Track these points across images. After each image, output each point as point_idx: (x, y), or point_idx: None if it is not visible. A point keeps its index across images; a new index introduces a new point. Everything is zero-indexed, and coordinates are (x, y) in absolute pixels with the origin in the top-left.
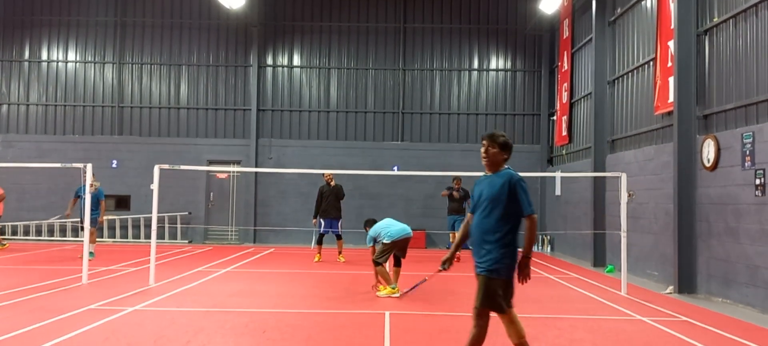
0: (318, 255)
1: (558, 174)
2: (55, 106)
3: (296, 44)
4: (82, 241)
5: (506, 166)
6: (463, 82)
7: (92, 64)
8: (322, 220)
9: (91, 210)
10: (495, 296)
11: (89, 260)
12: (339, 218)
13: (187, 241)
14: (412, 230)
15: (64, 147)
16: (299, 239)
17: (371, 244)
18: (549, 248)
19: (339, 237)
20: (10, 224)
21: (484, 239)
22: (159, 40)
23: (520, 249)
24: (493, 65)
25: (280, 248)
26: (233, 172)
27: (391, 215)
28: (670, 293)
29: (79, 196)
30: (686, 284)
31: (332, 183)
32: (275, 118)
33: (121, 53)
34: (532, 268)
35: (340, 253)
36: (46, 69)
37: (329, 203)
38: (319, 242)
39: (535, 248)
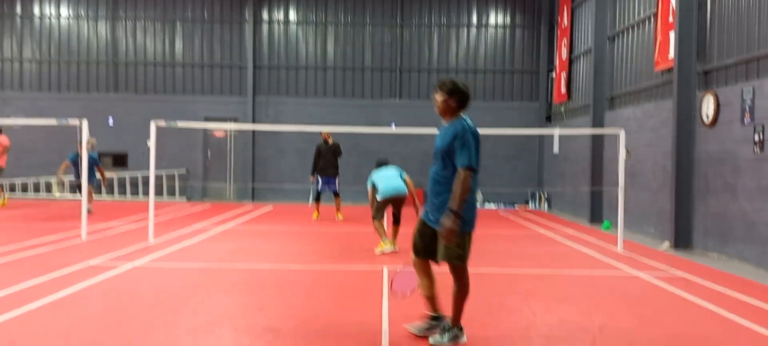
0: (316, 212)
1: (556, 131)
2: (50, 62)
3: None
4: (80, 198)
5: (462, 116)
6: (462, 38)
7: (85, 20)
8: (319, 178)
9: (89, 176)
10: (453, 249)
11: (87, 215)
12: (336, 176)
13: (185, 198)
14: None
15: (59, 104)
16: (297, 196)
17: (370, 186)
18: (546, 205)
19: (337, 195)
20: (7, 181)
21: (435, 190)
22: None
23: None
24: (492, 21)
25: (279, 206)
26: (230, 129)
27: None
28: (667, 248)
29: (74, 162)
30: (683, 239)
31: (330, 141)
32: (272, 75)
33: (114, 8)
34: (456, 228)
35: (338, 210)
36: (40, 25)
37: (327, 161)
38: (317, 200)
39: (532, 205)
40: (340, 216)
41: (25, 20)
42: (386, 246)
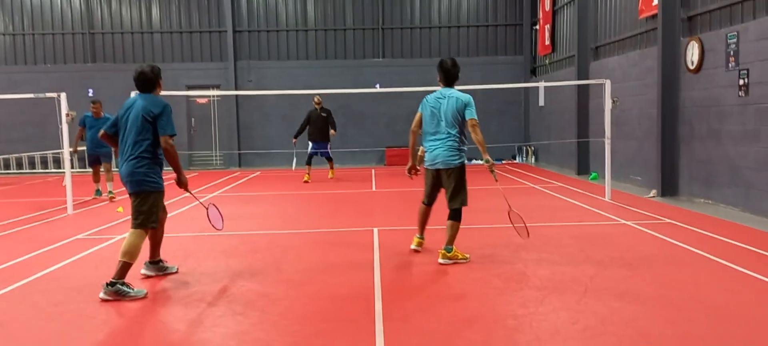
0: (307, 175)
1: (541, 84)
2: (24, 35)
3: None
4: (64, 172)
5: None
6: None
7: None
8: (310, 143)
9: (103, 145)
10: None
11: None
12: (327, 142)
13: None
14: (396, 147)
15: (36, 77)
16: (285, 160)
17: (419, 110)
18: (533, 159)
19: (330, 159)
20: None
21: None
22: None
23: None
24: None
25: (266, 171)
26: (213, 96)
27: (379, 131)
28: (653, 196)
29: (85, 125)
30: (669, 187)
31: (320, 106)
32: (253, 40)
33: None
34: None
35: (331, 170)
36: None
37: (317, 127)
38: (309, 163)
39: (519, 159)
40: (331, 174)
41: None
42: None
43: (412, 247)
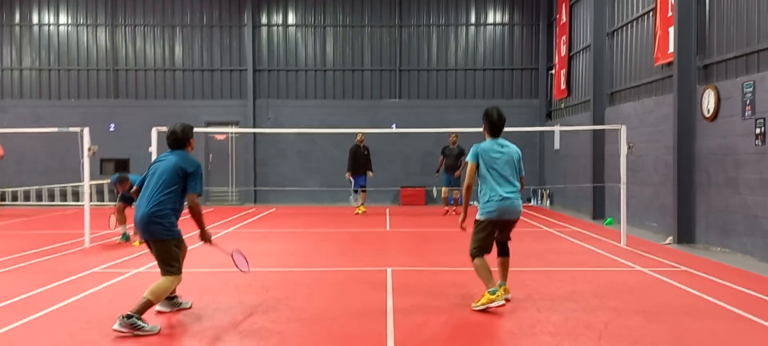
0: (362, 206)
1: (557, 128)
2: (50, 70)
3: (291, 2)
4: (83, 205)
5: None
6: (461, 37)
7: (84, 27)
8: (353, 177)
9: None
10: None
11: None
12: (366, 174)
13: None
14: (411, 187)
15: (60, 111)
16: (299, 198)
17: (471, 159)
18: (548, 202)
19: (363, 189)
20: (10, 189)
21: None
22: (151, 1)
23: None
24: (490, 19)
25: (281, 208)
26: (231, 133)
27: (395, 171)
28: (669, 243)
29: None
30: (685, 234)
31: (362, 143)
32: (272, 78)
33: (113, 15)
34: None
35: (361, 204)
36: (38, 33)
37: (360, 162)
38: (356, 193)
39: (535, 202)
40: (361, 209)
41: (24, 29)
42: (494, 297)
43: (504, 299)
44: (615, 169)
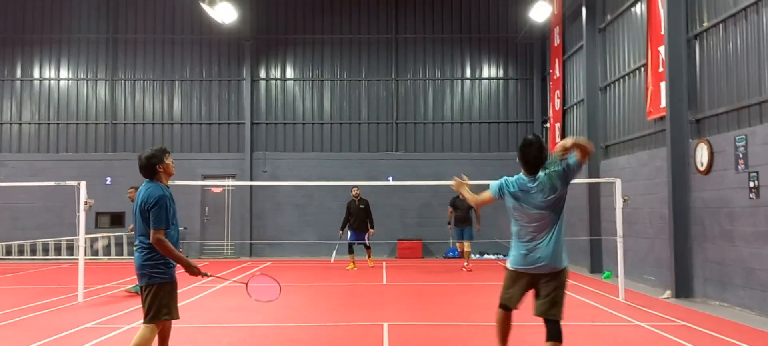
0: (352, 264)
1: None
2: (49, 124)
3: (288, 57)
4: (77, 259)
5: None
6: (456, 91)
7: (85, 82)
8: (350, 232)
9: None
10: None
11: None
12: (366, 231)
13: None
14: (408, 240)
15: (57, 165)
16: (296, 251)
17: (497, 195)
18: None
19: (368, 248)
20: (4, 243)
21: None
22: (152, 56)
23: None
24: (485, 74)
25: (277, 262)
26: (228, 186)
27: (392, 223)
28: (668, 297)
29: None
30: (683, 288)
31: (358, 198)
32: (269, 131)
33: (113, 70)
34: None
35: (369, 258)
36: (39, 87)
37: (358, 217)
38: (351, 252)
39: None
40: (371, 263)
41: (25, 83)
42: None
43: None
44: (611, 222)
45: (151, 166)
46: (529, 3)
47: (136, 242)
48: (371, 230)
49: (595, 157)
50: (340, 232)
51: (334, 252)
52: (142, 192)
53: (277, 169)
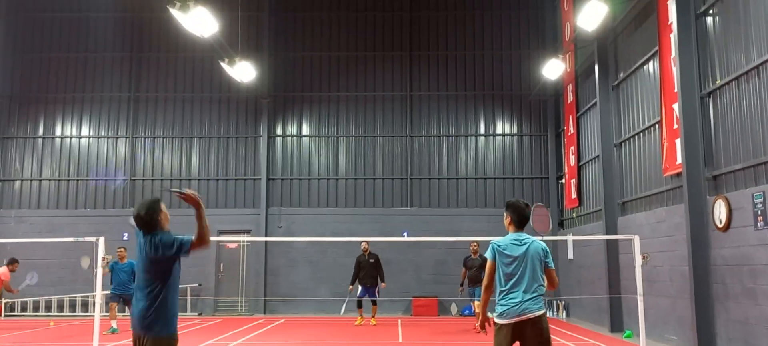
0: (360, 318)
1: (570, 237)
2: (68, 181)
3: (305, 114)
4: (92, 316)
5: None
6: (470, 147)
7: (105, 139)
8: (360, 286)
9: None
10: None
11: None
12: (375, 286)
13: (196, 313)
14: (423, 297)
15: (75, 221)
16: (310, 308)
17: (489, 257)
18: (565, 314)
19: (374, 303)
20: (19, 300)
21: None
22: (171, 114)
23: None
24: (499, 130)
25: (291, 319)
26: (243, 241)
27: (406, 280)
28: None
29: (112, 269)
30: None
31: (368, 253)
32: (285, 187)
33: (133, 127)
34: None
35: (373, 316)
36: (60, 145)
37: (367, 272)
38: (359, 306)
39: (550, 314)
40: (373, 321)
41: (46, 141)
42: None
43: None
44: (630, 279)
45: (153, 219)
46: (541, 60)
47: (141, 294)
48: (382, 284)
49: (612, 213)
50: (350, 287)
51: (344, 306)
52: (148, 243)
53: (291, 224)
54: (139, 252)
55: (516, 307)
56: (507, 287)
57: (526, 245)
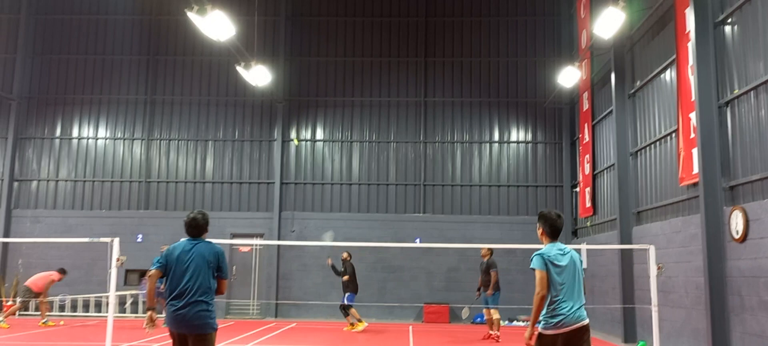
0: (362, 322)
1: (584, 246)
2: (84, 181)
3: (319, 119)
4: (105, 316)
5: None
6: (484, 154)
7: (121, 141)
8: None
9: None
10: None
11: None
12: (346, 292)
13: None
14: (435, 304)
15: (90, 222)
16: (321, 313)
17: (540, 267)
18: None
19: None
20: (33, 300)
21: None
22: (187, 117)
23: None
24: (513, 137)
25: (303, 323)
26: (256, 245)
27: (418, 287)
28: None
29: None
30: None
31: (349, 260)
32: (298, 191)
33: (149, 129)
34: None
35: (355, 320)
36: (77, 146)
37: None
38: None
39: None
40: (361, 326)
41: (63, 142)
42: None
43: None
44: (645, 290)
45: (206, 227)
46: (557, 68)
47: (195, 295)
48: (346, 277)
49: (627, 222)
50: (329, 259)
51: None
52: (207, 248)
53: (304, 229)
54: (186, 258)
55: (570, 316)
56: (559, 297)
57: (569, 254)
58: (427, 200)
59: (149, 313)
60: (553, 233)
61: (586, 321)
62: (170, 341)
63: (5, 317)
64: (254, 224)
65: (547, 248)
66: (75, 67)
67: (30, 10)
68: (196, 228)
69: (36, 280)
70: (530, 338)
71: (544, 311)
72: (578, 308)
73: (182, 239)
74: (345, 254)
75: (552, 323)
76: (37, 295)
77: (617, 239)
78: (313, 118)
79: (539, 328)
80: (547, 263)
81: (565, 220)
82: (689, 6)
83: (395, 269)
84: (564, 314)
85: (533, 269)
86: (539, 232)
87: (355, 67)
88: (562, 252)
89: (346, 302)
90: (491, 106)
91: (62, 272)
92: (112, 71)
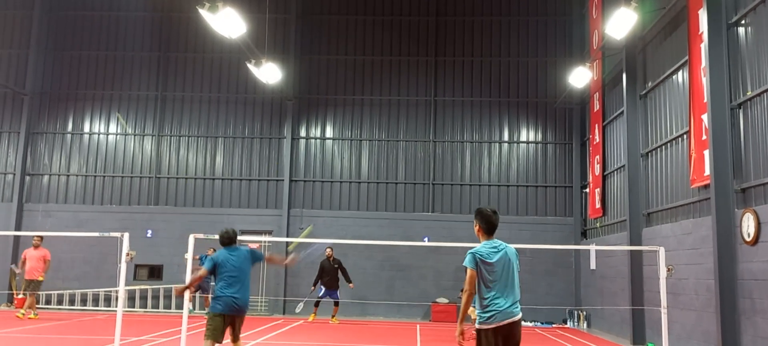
0: (313, 315)
1: (593, 247)
2: (95, 176)
3: (329, 117)
4: (115, 310)
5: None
6: (494, 153)
7: (132, 137)
8: (322, 288)
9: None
10: None
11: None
12: (337, 288)
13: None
14: (443, 303)
15: (101, 217)
16: (329, 310)
17: (470, 266)
18: (585, 324)
19: (336, 304)
20: (44, 293)
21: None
22: (197, 113)
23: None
24: (523, 137)
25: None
26: (264, 242)
27: (426, 285)
28: None
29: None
30: None
31: (331, 259)
32: (307, 189)
33: (160, 126)
34: None
35: (333, 316)
36: (88, 141)
37: (330, 275)
38: (316, 305)
39: (571, 324)
40: (334, 321)
41: (74, 137)
42: None
43: None
44: (654, 291)
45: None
46: (568, 68)
47: (240, 285)
48: (351, 285)
49: (637, 224)
50: (312, 287)
51: (301, 305)
52: (245, 251)
53: (313, 226)
54: (233, 261)
55: (503, 312)
56: (492, 293)
57: (503, 250)
58: (435, 199)
59: (185, 288)
60: (489, 229)
61: (519, 316)
62: (178, 335)
63: (25, 309)
64: (263, 221)
65: (481, 245)
66: (87, 63)
67: (43, 7)
68: (229, 239)
69: (32, 270)
70: (461, 335)
71: (478, 309)
72: (511, 304)
73: (222, 249)
74: (329, 251)
75: (485, 318)
76: (40, 281)
77: (627, 240)
78: (322, 116)
79: (476, 325)
80: (478, 262)
81: (576, 220)
82: (702, 7)
83: (403, 268)
84: (497, 310)
85: (465, 267)
86: (476, 229)
87: (365, 66)
88: (495, 249)
89: (327, 297)
90: (501, 106)
91: (40, 239)
92: (123, 68)
